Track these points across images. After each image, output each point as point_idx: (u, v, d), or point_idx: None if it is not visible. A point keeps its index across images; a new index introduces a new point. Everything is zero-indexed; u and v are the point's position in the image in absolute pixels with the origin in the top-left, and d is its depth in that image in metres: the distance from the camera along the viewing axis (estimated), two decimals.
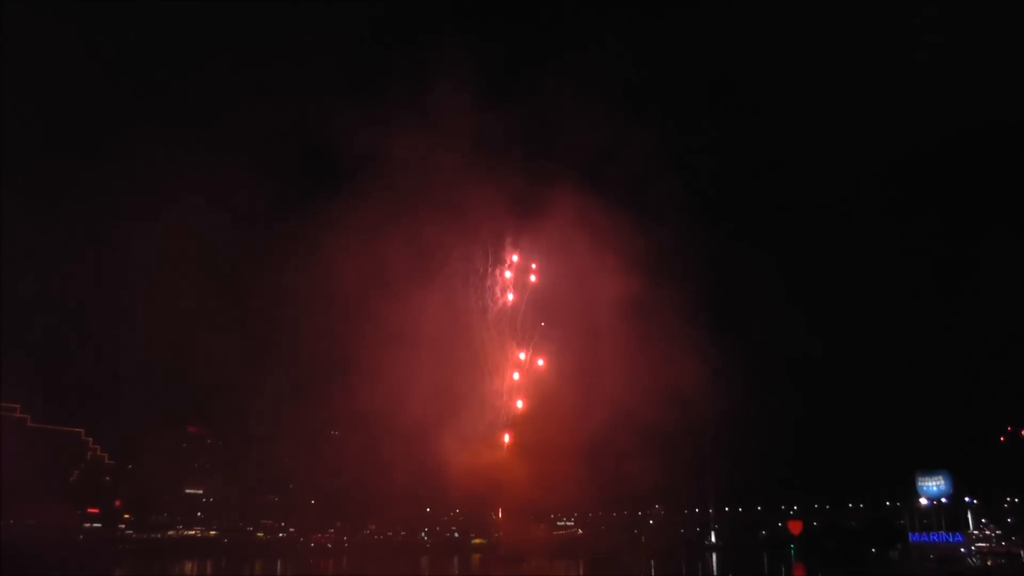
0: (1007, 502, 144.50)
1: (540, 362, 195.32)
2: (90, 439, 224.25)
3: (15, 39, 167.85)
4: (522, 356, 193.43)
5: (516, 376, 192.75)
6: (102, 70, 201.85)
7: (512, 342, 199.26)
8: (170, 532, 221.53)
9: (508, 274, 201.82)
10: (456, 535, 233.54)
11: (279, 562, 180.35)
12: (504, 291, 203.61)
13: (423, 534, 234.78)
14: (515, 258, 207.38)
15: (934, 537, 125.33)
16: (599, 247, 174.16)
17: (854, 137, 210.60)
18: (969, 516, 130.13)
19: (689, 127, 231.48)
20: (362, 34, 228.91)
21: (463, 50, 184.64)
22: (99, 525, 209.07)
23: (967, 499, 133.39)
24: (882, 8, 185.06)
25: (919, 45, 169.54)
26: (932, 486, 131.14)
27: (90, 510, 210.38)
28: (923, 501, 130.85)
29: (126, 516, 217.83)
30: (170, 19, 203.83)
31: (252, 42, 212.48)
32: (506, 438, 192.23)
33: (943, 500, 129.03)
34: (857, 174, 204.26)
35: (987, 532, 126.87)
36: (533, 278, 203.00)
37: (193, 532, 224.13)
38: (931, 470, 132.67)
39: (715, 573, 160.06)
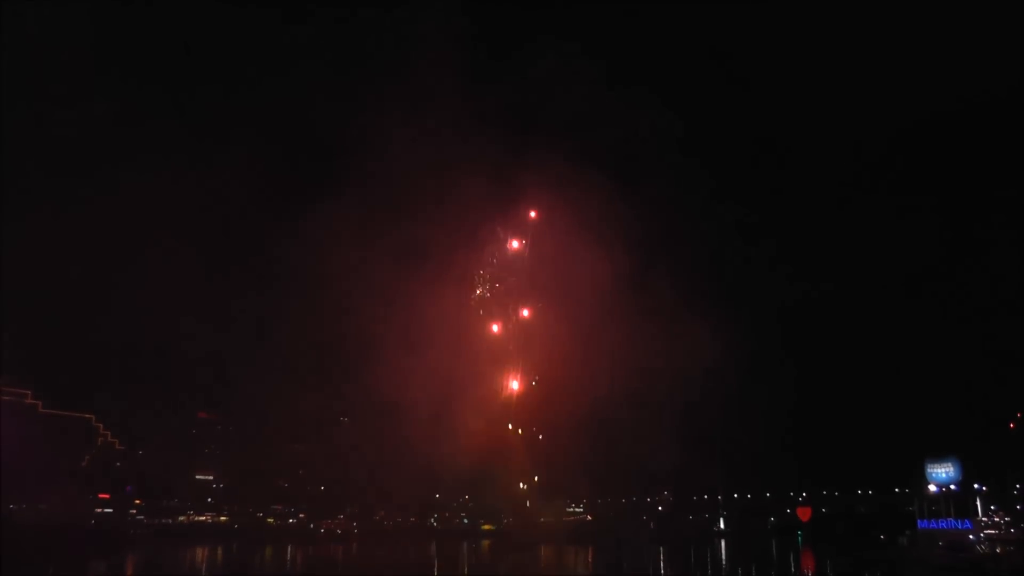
0: (1017, 489, 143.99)
1: (524, 312, 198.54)
2: (101, 425, 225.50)
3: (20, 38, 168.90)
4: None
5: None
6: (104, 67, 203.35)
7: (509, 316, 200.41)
8: (181, 518, 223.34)
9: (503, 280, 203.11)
10: (466, 521, 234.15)
11: (289, 548, 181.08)
12: (502, 274, 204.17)
13: (432, 520, 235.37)
14: (517, 238, 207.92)
15: (943, 524, 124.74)
16: (606, 229, 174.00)
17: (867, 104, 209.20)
18: (978, 503, 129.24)
19: (684, 104, 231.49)
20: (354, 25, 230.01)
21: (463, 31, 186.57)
22: (110, 510, 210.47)
23: (976, 486, 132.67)
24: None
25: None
26: (941, 472, 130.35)
27: (101, 495, 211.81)
28: (932, 488, 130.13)
29: (137, 501, 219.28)
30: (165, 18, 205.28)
31: (249, 39, 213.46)
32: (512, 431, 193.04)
33: (952, 487, 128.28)
34: (865, 152, 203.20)
35: (996, 519, 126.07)
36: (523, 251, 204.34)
37: (204, 518, 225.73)
38: (940, 456, 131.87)
39: (724, 559, 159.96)
